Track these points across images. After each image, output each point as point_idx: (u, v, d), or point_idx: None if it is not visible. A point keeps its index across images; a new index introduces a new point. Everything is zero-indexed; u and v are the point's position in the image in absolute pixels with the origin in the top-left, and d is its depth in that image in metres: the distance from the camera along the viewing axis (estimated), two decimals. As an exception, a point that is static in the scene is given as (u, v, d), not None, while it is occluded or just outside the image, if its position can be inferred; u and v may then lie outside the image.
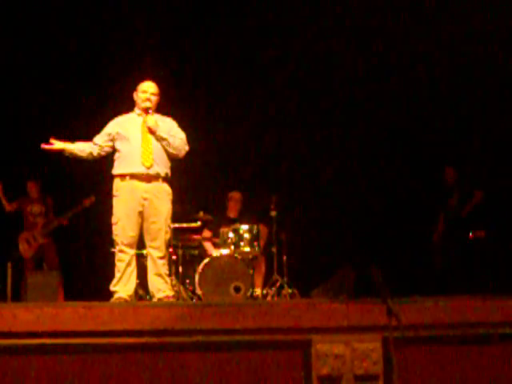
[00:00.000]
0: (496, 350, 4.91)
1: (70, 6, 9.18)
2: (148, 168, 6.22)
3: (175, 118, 6.57)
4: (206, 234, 8.65)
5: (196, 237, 8.59)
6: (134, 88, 6.52)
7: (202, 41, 9.62)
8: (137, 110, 6.48)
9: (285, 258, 8.51)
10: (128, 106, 6.59)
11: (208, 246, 8.54)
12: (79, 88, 9.32)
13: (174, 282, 7.71)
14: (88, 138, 6.46)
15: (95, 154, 6.41)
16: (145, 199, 6.21)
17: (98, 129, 6.49)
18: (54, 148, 6.34)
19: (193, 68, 9.65)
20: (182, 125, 6.56)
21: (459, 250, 8.63)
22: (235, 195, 8.81)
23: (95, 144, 6.40)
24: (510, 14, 9.01)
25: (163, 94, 6.55)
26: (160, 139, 6.32)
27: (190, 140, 6.54)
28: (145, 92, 6.43)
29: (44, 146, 6.33)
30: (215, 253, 8.21)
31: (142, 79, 6.53)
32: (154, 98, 6.41)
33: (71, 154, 6.42)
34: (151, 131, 6.31)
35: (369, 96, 9.71)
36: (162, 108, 6.53)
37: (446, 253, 8.76)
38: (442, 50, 9.56)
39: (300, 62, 9.77)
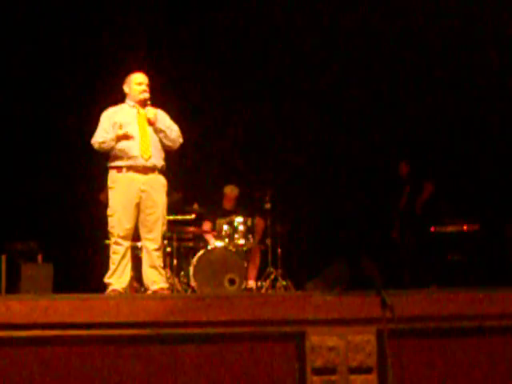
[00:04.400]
0: (490, 342, 4.92)
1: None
2: (146, 160, 6.21)
3: (169, 109, 6.56)
4: (207, 225, 8.66)
5: (191, 229, 8.60)
6: (121, 80, 6.49)
7: (195, 30, 9.60)
8: (129, 102, 6.43)
9: (279, 250, 8.52)
10: (113, 97, 6.56)
11: (209, 237, 8.54)
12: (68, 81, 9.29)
13: (168, 275, 7.71)
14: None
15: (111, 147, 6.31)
16: (142, 191, 6.20)
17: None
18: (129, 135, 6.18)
19: (187, 59, 9.63)
20: (177, 116, 6.55)
21: (417, 245, 8.65)
22: (227, 190, 8.82)
23: (111, 139, 6.23)
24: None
25: (157, 85, 6.54)
26: (158, 131, 6.31)
27: (186, 132, 6.53)
28: (141, 84, 6.40)
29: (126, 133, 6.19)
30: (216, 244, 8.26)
31: (131, 71, 6.50)
32: (148, 89, 6.41)
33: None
34: (151, 123, 6.29)
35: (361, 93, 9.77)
36: (155, 99, 6.51)
37: (404, 248, 8.79)
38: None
39: (293, 54, 9.77)
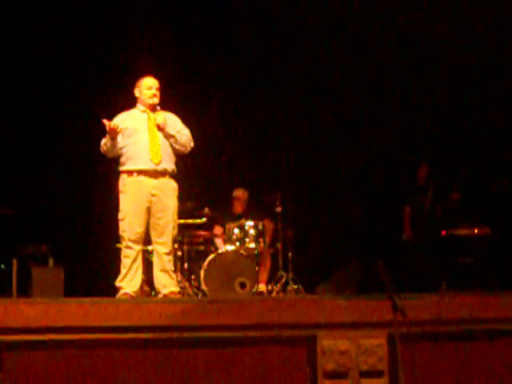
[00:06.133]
0: (502, 346, 4.91)
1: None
2: (156, 164, 6.21)
3: (180, 113, 6.57)
4: (217, 230, 8.65)
5: (202, 233, 8.59)
6: (133, 84, 6.50)
7: (204, 34, 9.61)
8: (140, 107, 6.44)
9: (290, 254, 8.51)
10: (125, 102, 6.57)
11: (219, 242, 8.53)
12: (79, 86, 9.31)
13: (179, 278, 7.70)
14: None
15: (115, 152, 6.34)
16: (153, 195, 6.21)
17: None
18: (112, 127, 6.15)
19: (197, 63, 9.63)
20: (187, 121, 6.56)
21: (432, 250, 8.59)
22: (238, 193, 8.81)
23: (108, 142, 6.25)
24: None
25: (167, 89, 6.54)
26: (168, 136, 6.31)
27: (195, 136, 6.54)
28: (150, 88, 6.41)
29: (104, 121, 6.16)
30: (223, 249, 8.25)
31: (142, 75, 6.51)
32: (158, 94, 6.41)
33: (114, 141, 6.25)
34: (160, 128, 6.30)
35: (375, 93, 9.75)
36: (165, 104, 6.52)
37: (418, 252, 8.73)
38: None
39: (301, 57, 9.77)
